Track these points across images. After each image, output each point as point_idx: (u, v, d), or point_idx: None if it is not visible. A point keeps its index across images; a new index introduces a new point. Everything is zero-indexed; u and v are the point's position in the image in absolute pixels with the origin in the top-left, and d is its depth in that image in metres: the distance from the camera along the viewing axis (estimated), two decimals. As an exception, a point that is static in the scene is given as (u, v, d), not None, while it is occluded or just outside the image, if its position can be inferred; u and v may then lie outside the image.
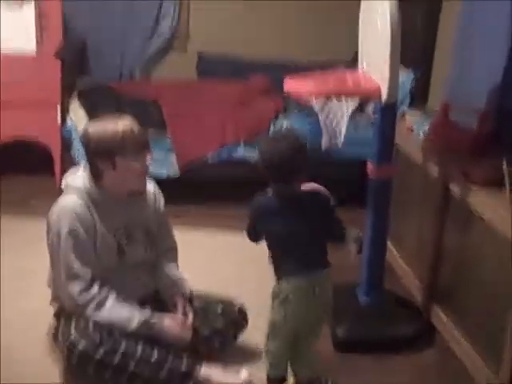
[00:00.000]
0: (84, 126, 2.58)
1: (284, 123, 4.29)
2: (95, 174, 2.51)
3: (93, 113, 4.15)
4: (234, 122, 4.27)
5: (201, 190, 4.41)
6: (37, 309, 2.86)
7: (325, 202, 2.37)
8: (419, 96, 4.41)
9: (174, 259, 2.82)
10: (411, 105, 4.26)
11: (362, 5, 2.93)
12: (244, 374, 2.46)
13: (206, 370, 2.47)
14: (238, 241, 3.71)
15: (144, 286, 2.68)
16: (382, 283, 3.01)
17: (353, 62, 3.20)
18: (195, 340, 2.58)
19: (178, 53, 5.29)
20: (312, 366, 2.47)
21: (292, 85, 2.88)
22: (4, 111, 4.23)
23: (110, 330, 2.41)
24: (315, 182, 2.40)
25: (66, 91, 4.34)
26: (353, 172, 3.67)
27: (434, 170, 3.05)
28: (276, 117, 4.34)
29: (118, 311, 2.46)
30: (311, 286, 2.32)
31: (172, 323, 2.53)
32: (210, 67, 5.20)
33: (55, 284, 2.61)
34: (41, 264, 2.73)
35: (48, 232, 2.55)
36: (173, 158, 4.16)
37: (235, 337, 2.73)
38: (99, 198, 2.52)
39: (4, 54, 4.18)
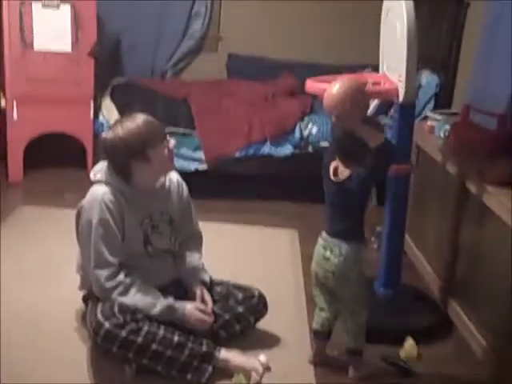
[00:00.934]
0: (103, 135, 2.67)
1: (310, 123, 4.39)
2: (125, 173, 2.61)
3: (124, 109, 4.30)
4: (261, 120, 4.37)
5: (227, 185, 4.56)
6: (67, 294, 2.98)
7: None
8: (444, 100, 4.48)
9: (197, 247, 2.91)
10: (435, 108, 4.33)
11: (383, 7, 3.02)
12: (262, 358, 2.55)
13: (225, 354, 2.55)
14: (262, 234, 3.89)
15: (168, 273, 2.78)
16: (400, 276, 3.08)
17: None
18: (216, 325, 2.68)
19: (208, 53, 5.41)
20: (351, 336, 2.58)
21: (312, 85, 2.98)
22: (41, 107, 4.41)
23: (133, 314, 2.51)
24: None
25: (100, 89, 4.49)
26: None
27: (452, 169, 3.13)
28: (302, 117, 4.43)
29: (142, 297, 2.57)
30: (325, 249, 2.52)
31: (193, 309, 2.63)
32: (240, 68, 5.32)
33: (84, 270, 2.73)
34: (72, 253, 2.84)
35: (78, 221, 2.67)
36: (201, 154, 4.29)
37: (255, 323, 2.81)
38: (127, 190, 2.63)
39: (41, 51, 4.35)
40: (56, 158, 4.80)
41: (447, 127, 3.38)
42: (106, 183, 2.62)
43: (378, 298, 3.05)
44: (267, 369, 2.50)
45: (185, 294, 2.75)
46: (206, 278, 2.83)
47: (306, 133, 4.36)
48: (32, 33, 4.32)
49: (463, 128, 3.29)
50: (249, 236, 3.79)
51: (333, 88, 2.46)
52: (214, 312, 2.70)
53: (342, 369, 2.62)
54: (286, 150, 4.35)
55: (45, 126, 4.51)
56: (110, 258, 2.58)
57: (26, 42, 4.33)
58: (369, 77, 3.16)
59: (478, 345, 2.79)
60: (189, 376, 2.49)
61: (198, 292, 2.75)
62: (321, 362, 2.66)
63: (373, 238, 3.71)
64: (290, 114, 4.42)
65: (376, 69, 3.16)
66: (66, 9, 4.38)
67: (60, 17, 4.39)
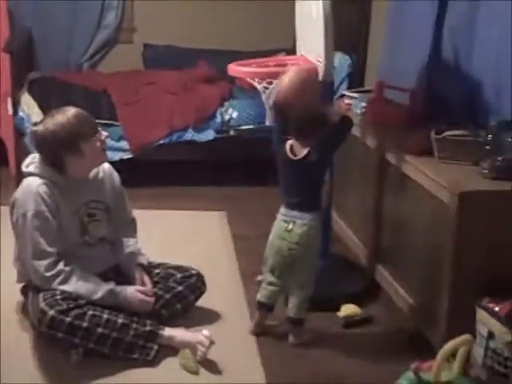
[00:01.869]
0: (32, 129, 2.70)
1: (230, 108, 4.49)
2: (58, 166, 2.65)
3: (44, 103, 4.29)
4: (182, 107, 4.45)
5: (152, 172, 4.62)
6: (3, 287, 3.00)
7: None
8: (356, 80, 4.68)
9: (133, 233, 2.99)
10: (349, 88, 4.51)
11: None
12: (205, 332, 2.63)
13: (169, 331, 2.64)
14: (192, 218, 3.98)
15: (106, 261, 2.85)
16: (329, 247, 3.25)
17: (293, 50, 3.42)
18: (157, 306, 2.76)
19: (124, 44, 5.41)
20: (295, 307, 2.72)
21: (236, 69, 3.08)
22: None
23: (75, 300, 2.56)
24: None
25: (16, 83, 4.44)
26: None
27: (371, 143, 3.30)
28: (222, 102, 4.53)
29: (83, 283, 2.62)
30: (286, 222, 2.65)
31: (135, 292, 2.70)
32: (156, 58, 5.35)
33: (21, 262, 2.76)
34: (2, 247, 2.85)
35: (13, 213, 2.69)
36: (124, 144, 4.33)
37: (195, 301, 2.90)
38: (60, 180, 2.67)
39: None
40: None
41: (363, 104, 3.55)
42: (39, 175, 2.65)
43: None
44: (211, 342, 2.58)
45: (124, 279, 2.81)
46: (144, 261, 2.91)
47: (226, 117, 4.46)
48: None
49: (378, 104, 3.48)
50: (179, 220, 3.88)
51: (291, 77, 2.69)
52: (154, 293, 2.77)
53: (282, 337, 2.75)
54: (208, 135, 4.44)
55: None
56: (48, 249, 2.61)
57: None
58: (288, 59, 3.31)
59: (404, 302, 2.97)
60: (135, 355, 2.56)
61: (138, 275, 2.83)
62: (261, 332, 2.78)
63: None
64: (210, 100, 4.51)
65: (289, 53, 3.30)
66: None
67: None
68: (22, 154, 4.23)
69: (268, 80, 3.04)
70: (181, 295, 2.83)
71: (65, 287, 2.59)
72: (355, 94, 3.80)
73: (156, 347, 2.59)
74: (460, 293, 2.57)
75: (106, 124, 4.25)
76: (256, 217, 3.86)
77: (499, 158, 2.63)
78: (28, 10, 4.98)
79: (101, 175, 2.85)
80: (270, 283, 2.75)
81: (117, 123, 4.32)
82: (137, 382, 2.47)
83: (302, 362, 2.66)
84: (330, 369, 2.62)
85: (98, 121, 4.05)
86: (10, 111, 4.31)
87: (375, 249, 3.31)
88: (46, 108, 4.21)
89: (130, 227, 3.01)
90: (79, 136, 2.61)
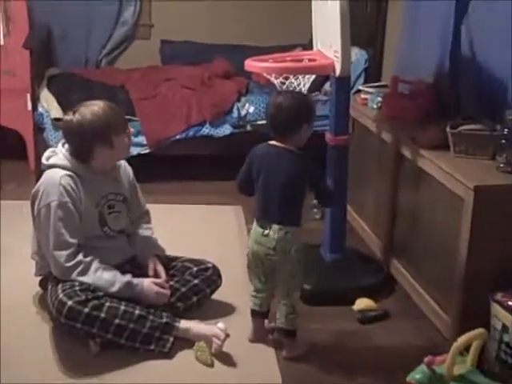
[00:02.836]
0: (66, 117, 2.68)
1: (246, 103, 4.51)
2: (85, 156, 2.68)
3: (63, 99, 4.33)
4: (199, 102, 4.47)
5: (170, 167, 4.65)
6: (21, 281, 3.04)
7: (309, 169, 2.55)
8: (373, 74, 4.68)
9: (148, 224, 3.03)
10: (365, 83, 4.51)
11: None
12: (221, 325, 2.66)
13: (185, 323, 2.67)
14: (208, 212, 4.00)
15: (123, 252, 2.89)
16: (344, 242, 3.25)
17: (310, 45, 3.43)
18: (173, 298, 2.78)
19: (141, 41, 5.45)
20: (284, 317, 2.60)
21: (252, 65, 3.09)
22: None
23: (94, 291, 2.59)
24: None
25: (36, 79, 4.49)
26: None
27: (387, 138, 3.30)
28: (238, 97, 4.54)
29: (101, 275, 2.65)
30: (263, 226, 2.55)
31: (151, 285, 2.73)
32: (173, 54, 5.38)
33: (40, 254, 2.79)
34: (18, 241, 2.88)
35: (34, 205, 2.72)
36: (142, 139, 4.36)
37: (211, 294, 2.93)
38: (83, 173, 2.70)
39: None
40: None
41: (379, 99, 3.56)
42: (62, 167, 2.69)
43: (325, 263, 3.21)
44: (227, 335, 2.60)
45: (140, 271, 2.84)
46: (160, 252, 2.95)
47: (243, 112, 4.48)
48: (-37, 27, 4.31)
49: (393, 98, 3.48)
50: (195, 214, 3.90)
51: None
52: (170, 286, 2.80)
53: (280, 347, 2.67)
54: (225, 129, 4.46)
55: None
56: (70, 239, 2.65)
57: (-43, 36, 4.31)
58: (304, 54, 3.31)
59: (420, 297, 2.98)
60: (152, 347, 2.59)
61: (151, 265, 2.86)
62: (259, 340, 2.72)
63: (315, 210, 3.88)
64: (227, 95, 4.53)
65: (306, 48, 3.29)
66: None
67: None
68: (41, 148, 4.30)
69: (285, 75, 3.06)
70: (197, 288, 2.86)
71: (83, 278, 2.63)
72: (371, 89, 3.81)
73: (172, 339, 2.62)
74: (474, 287, 2.58)
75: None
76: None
77: (515, 153, 2.63)
78: (47, 6, 5.00)
79: (117, 168, 2.89)
80: (257, 290, 2.67)
81: (134, 118, 4.34)
82: (153, 374, 2.51)
83: (315, 354, 2.67)
84: (343, 361, 2.64)
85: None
86: (30, 107, 4.36)
87: (390, 243, 3.31)
88: (65, 104, 4.28)
89: (145, 219, 3.05)
90: (113, 128, 2.66)
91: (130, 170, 2.97)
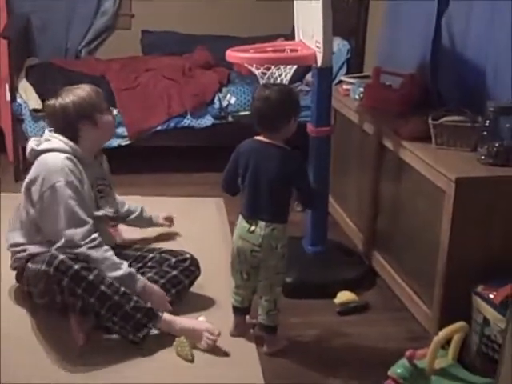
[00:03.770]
0: (50, 101, 2.77)
1: (228, 94, 4.47)
2: (72, 138, 2.73)
3: (41, 89, 4.27)
4: (180, 93, 4.42)
5: (150, 159, 4.62)
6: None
7: (293, 165, 2.52)
8: (355, 65, 4.66)
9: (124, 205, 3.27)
10: (348, 73, 4.50)
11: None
12: (202, 318, 2.66)
13: (168, 316, 2.64)
14: (189, 204, 3.97)
15: (110, 238, 2.92)
16: (326, 234, 3.24)
17: (292, 36, 3.40)
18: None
19: (122, 31, 5.38)
20: (264, 314, 2.59)
21: (233, 55, 3.06)
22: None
23: (88, 262, 2.58)
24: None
25: (14, 70, 4.42)
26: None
27: (369, 129, 3.28)
28: (220, 88, 4.51)
29: (110, 256, 2.65)
30: (249, 222, 2.52)
31: (156, 286, 2.72)
32: (154, 44, 5.31)
33: (47, 232, 2.72)
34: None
35: (30, 191, 2.69)
36: (123, 130, 4.31)
37: (190, 285, 2.91)
38: (79, 155, 2.73)
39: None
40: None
41: (361, 89, 3.54)
42: (60, 150, 2.71)
43: (307, 256, 3.20)
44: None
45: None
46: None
47: (224, 103, 4.44)
48: None
49: (375, 89, 3.46)
50: (176, 206, 3.86)
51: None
52: (148, 278, 2.78)
53: (259, 342, 2.66)
54: (207, 120, 4.42)
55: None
56: (85, 217, 2.65)
57: None
58: (286, 44, 3.28)
59: (401, 290, 2.97)
60: (128, 327, 2.55)
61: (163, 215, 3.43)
62: (241, 334, 2.70)
63: (296, 202, 3.85)
64: (208, 86, 4.49)
65: (288, 39, 3.27)
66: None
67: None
68: (19, 139, 4.25)
69: (266, 66, 3.03)
70: (175, 280, 2.84)
71: (92, 252, 2.61)
72: (353, 80, 3.79)
73: (149, 331, 2.58)
74: (455, 279, 2.57)
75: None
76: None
77: (496, 144, 2.62)
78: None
79: (102, 155, 2.96)
80: (238, 286, 2.65)
81: (115, 109, 4.29)
82: (133, 371, 2.48)
83: (297, 348, 2.66)
84: (324, 356, 2.63)
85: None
86: (8, 97, 4.29)
87: (372, 235, 3.30)
88: (44, 94, 4.21)
89: (120, 202, 3.22)
90: (96, 107, 2.75)
91: (104, 157, 3.01)
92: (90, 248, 2.61)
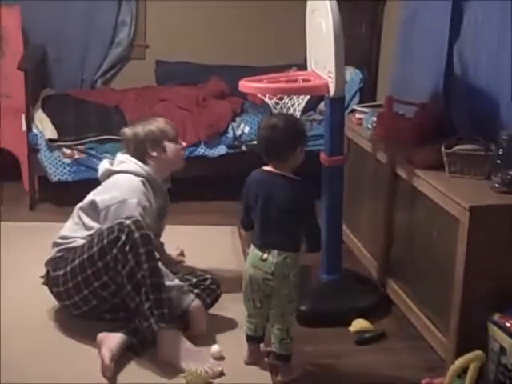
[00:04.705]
0: (126, 129, 3.07)
1: (241, 123, 4.51)
2: (143, 161, 2.95)
3: (57, 120, 4.33)
4: (194, 123, 4.46)
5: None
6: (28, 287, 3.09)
7: (301, 195, 2.53)
8: (368, 94, 4.69)
9: None
10: (360, 102, 4.52)
11: (307, 8, 3.16)
12: (216, 347, 2.66)
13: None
14: (204, 232, 3.98)
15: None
16: (340, 263, 3.23)
17: (304, 65, 3.44)
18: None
19: (136, 61, 5.46)
20: (278, 342, 2.57)
21: (246, 85, 3.10)
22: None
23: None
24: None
25: (30, 100, 4.48)
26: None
27: (382, 158, 3.30)
28: (233, 117, 4.55)
29: (166, 269, 2.76)
30: (261, 250, 2.52)
31: (201, 306, 2.80)
32: (168, 74, 5.38)
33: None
34: (18, 260, 2.89)
35: (99, 202, 2.79)
36: (137, 160, 4.35)
37: (211, 305, 2.94)
38: (151, 179, 2.90)
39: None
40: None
41: (374, 118, 3.56)
42: (135, 173, 2.89)
43: (322, 285, 3.20)
44: (221, 358, 2.62)
45: None
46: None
47: (238, 133, 4.48)
48: (-43, 47, 4.31)
49: (388, 118, 3.48)
50: (191, 235, 3.88)
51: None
52: None
53: (276, 371, 2.64)
54: (220, 150, 4.46)
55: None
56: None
57: (-48, 57, 4.31)
58: (298, 75, 3.31)
59: (417, 318, 2.96)
60: (156, 311, 2.58)
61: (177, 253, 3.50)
62: (255, 363, 2.68)
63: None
64: (222, 116, 4.53)
65: (301, 68, 3.30)
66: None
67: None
68: (35, 169, 4.29)
69: (279, 96, 3.06)
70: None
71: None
72: (366, 109, 3.81)
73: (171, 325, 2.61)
74: (471, 308, 2.56)
75: (118, 140, 4.27)
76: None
77: (510, 172, 2.63)
78: (42, 28, 5.03)
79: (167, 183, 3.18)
80: (251, 315, 2.64)
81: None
82: None
83: (311, 377, 2.65)
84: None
85: (111, 137, 4.21)
86: (24, 128, 4.35)
87: (386, 263, 3.30)
88: (59, 124, 4.29)
89: None
90: (165, 134, 3.00)
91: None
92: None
